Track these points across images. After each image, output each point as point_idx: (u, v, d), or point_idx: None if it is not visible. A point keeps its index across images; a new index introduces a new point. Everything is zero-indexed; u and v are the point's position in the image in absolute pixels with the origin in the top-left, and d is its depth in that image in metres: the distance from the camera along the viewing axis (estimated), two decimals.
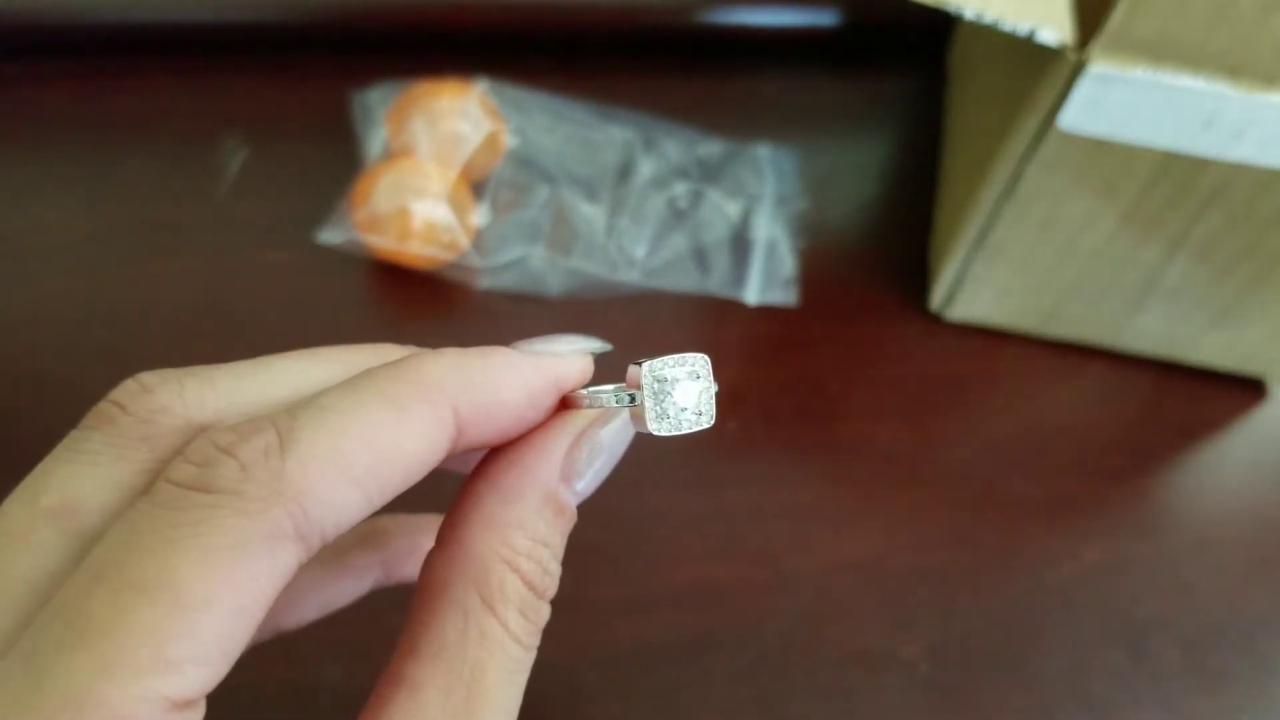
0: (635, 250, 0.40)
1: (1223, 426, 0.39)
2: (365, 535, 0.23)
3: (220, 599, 0.13)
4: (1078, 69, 0.30)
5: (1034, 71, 0.32)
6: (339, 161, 0.40)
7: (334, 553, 0.22)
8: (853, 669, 0.31)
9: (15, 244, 0.38)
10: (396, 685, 0.15)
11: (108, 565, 0.13)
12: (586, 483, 0.18)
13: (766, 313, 0.39)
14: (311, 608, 0.22)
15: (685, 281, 0.39)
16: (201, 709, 0.14)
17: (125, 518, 0.14)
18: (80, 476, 0.15)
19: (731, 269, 0.40)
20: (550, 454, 0.17)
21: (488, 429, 0.17)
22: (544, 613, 0.17)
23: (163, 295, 0.37)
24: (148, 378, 0.16)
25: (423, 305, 0.38)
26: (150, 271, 0.38)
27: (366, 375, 0.16)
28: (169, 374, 0.16)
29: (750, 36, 0.48)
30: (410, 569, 0.23)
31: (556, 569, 0.17)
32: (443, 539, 0.17)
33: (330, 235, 0.38)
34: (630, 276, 0.39)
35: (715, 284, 0.40)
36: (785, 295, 0.40)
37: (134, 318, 0.36)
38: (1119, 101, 0.30)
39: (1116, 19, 0.29)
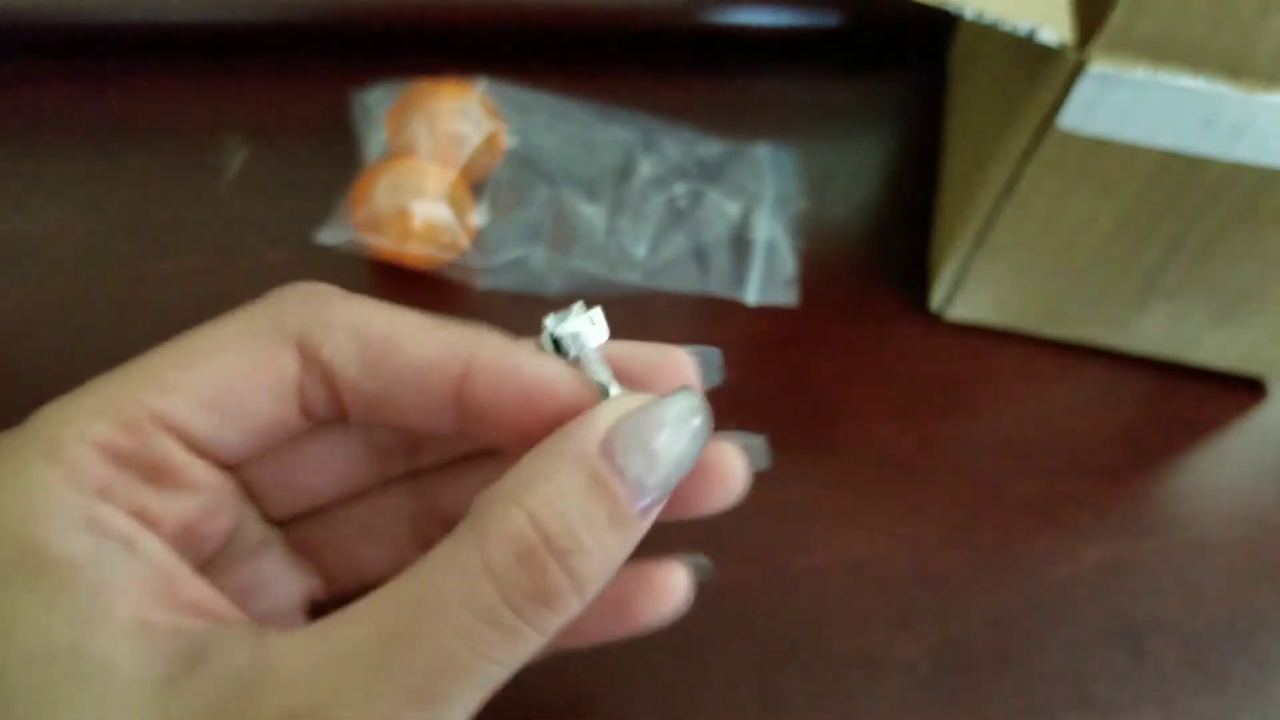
0: (635, 250, 0.40)
1: (1223, 426, 0.39)
2: None
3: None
4: (1078, 69, 0.30)
5: (1034, 71, 0.32)
6: (339, 161, 0.40)
7: None
8: (853, 669, 0.31)
9: (15, 244, 0.38)
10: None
11: None
12: (642, 473, 0.16)
13: (766, 313, 0.39)
14: None
15: (685, 281, 0.39)
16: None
17: None
18: None
19: (731, 269, 0.40)
20: (589, 422, 0.16)
21: (382, 373, 0.18)
22: (558, 583, 0.15)
23: (163, 295, 0.37)
24: None
25: (423, 305, 0.38)
26: (150, 271, 0.38)
27: (232, 315, 0.19)
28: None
29: (750, 36, 0.48)
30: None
31: (592, 543, 0.15)
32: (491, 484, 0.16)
33: (330, 235, 0.38)
34: (630, 276, 0.39)
35: (715, 284, 0.39)
36: (785, 295, 0.40)
37: (134, 318, 0.36)
38: (1119, 101, 0.30)
39: (1116, 19, 0.29)
